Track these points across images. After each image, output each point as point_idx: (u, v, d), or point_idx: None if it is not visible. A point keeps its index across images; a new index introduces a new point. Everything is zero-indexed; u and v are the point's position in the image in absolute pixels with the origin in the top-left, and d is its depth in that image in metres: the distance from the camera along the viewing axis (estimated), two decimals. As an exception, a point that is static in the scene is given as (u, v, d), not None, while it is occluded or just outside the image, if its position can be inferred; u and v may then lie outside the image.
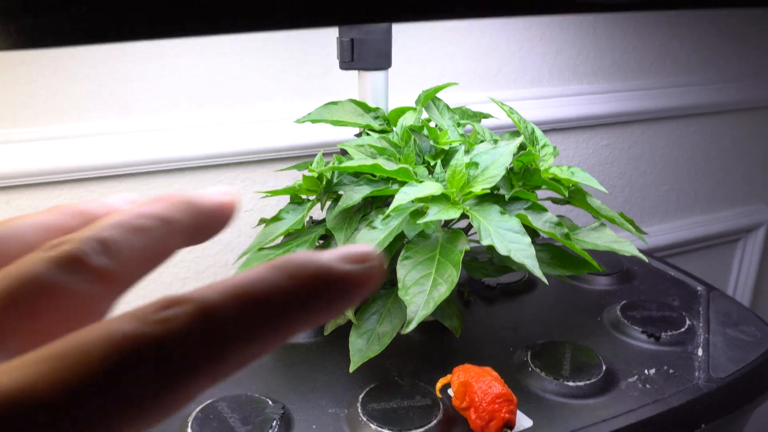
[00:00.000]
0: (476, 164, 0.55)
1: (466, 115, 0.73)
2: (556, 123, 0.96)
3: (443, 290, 0.48)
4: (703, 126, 1.11)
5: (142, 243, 0.18)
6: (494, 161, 0.54)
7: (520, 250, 0.49)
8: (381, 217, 0.54)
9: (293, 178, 0.84)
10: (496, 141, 0.58)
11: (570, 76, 0.96)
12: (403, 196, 0.52)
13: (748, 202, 1.22)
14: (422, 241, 0.53)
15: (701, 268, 1.21)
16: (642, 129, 1.05)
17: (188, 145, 0.77)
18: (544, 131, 0.96)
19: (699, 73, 1.07)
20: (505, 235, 0.51)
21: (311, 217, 0.67)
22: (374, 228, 0.53)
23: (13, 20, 0.28)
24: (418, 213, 0.55)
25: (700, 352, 0.60)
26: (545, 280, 0.48)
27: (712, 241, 1.19)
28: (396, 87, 0.86)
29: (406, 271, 0.50)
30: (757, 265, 1.24)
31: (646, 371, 0.58)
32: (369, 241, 0.52)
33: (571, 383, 0.55)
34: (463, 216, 0.56)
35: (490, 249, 0.57)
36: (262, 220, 0.68)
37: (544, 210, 0.55)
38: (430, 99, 0.68)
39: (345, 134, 0.80)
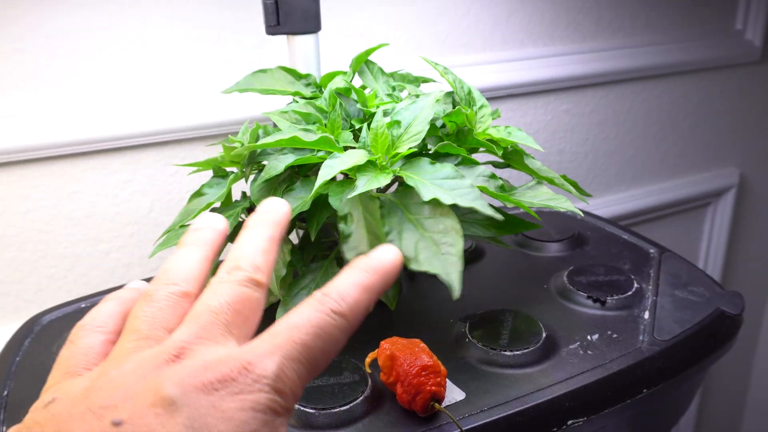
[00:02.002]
0: (398, 123, 0.52)
1: (407, 79, 0.70)
2: (513, 88, 0.93)
3: (457, 240, 0.45)
4: (668, 87, 1.08)
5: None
6: (416, 116, 0.51)
7: (465, 194, 0.46)
8: (343, 223, 0.50)
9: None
10: (417, 96, 0.54)
11: (524, 38, 0.93)
12: (328, 171, 0.48)
13: (717, 164, 1.20)
14: (382, 211, 0.50)
15: (671, 235, 1.19)
16: (604, 92, 1.02)
17: (122, 124, 0.74)
18: (500, 97, 0.93)
19: (660, 32, 1.04)
20: (443, 184, 0.47)
21: (243, 193, 0.64)
22: (349, 235, 0.50)
23: None
24: (349, 182, 0.51)
25: (646, 315, 0.58)
26: (498, 216, 0.45)
27: (682, 206, 1.16)
28: (339, 56, 0.83)
29: (400, 245, 0.47)
30: (728, 230, 1.22)
31: (588, 337, 0.55)
32: (356, 249, 0.49)
33: (508, 353, 0.52)
34: (396, 180, 0.53)
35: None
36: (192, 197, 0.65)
37: (476, 163, 0.52)
38: (362, 62, 0.65)
39: (280, 103, 0.76)
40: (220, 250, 0.34)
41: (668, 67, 1.05)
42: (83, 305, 0.63)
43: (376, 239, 0.48)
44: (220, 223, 0.34)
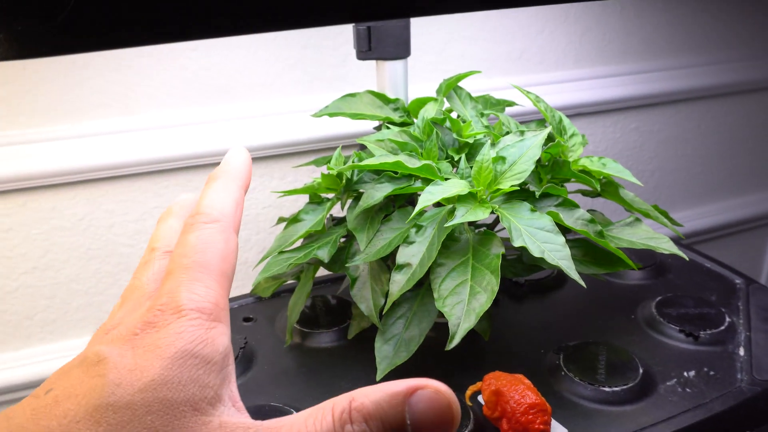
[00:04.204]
0: (503, 159, 0.52)
1: (489, 103, 0.70)
2: (583, 107, 0.92)
3: (483, 300, 0.45)
4: (737, 105, 1.07)
5: None
6: (522, 155, 0.52)
7: (555, 251, 0.46)
8: (414, 229, 0.51)
9: (311, 173, 0.82)
10: (522, 132, 0.55)
11: (597, 57, 0.92)
12: (429, 197, 0.49)
13: (783, 182, 1.18)
14: (453, 244, 0.50)
15: (736, 254, 1.17)
16: (673, 110, 1.01)
17: (205, 142, 0.75)
18: (570, 116, 0.93)
19: (732, 49, 1.03)
20: (537, 234, 0.48)
21: (331, 215, 0.65)
22: (411, 243, 0.50)
23: (2, 27, 0.26)
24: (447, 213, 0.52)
25: (741, 351, 0.57)
26: (583, 284, 0.45)
27: (747, 225, 1.15)
28: (415, 73, 0.83)
29: (440, 280, 0.48)
30: (793, 248, 1.20)
31: (685, 374, 0.55)
32: (409, 257, 0.49)
33: (606, 388, 0.52)
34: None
35: (522, 249, 0.54)
36: (281, 219, 0.66)
37: (576, 206, 0.52)
38: (451, 88, 0.65)
39: (365, 126, 0.77)
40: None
41: (739, 84, 1.03)
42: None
43: (428, 260, 0.49)
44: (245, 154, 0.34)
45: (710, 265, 0.72)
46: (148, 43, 0.25)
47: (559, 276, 0.71)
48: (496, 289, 0.46)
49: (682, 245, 0.76)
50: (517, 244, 0.47)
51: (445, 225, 0.48)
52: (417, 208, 0.48)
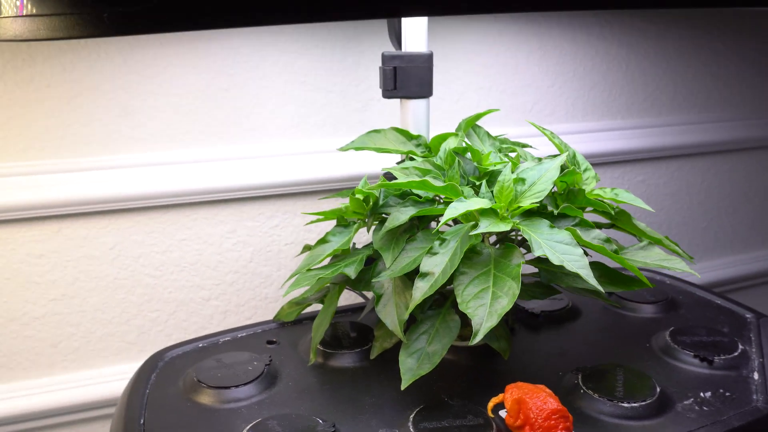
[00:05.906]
0: (523, 180, 0.55)
1: (506, 143, 0.74)
2: (591, 158, 0.96)
3: (504, 303, 0.48)
4: (740, 162, 1.11)
5: None
6: (541, 176, 0.55)
7: (573, 261, 0.49)
8: (438, 242, 0.54)
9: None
10: (539, 160, 0.58)
11: (604, 111, 0.97)
12: (454, 210, 0.52)
13: (787, 240, 1.21)
14: (475, 256, 0.53)
15: (742, 307, 1.19)
16: (678, 164, 1.05)
17: (232, 177, 0.79)
18: (580, 166, 0.97)
19: (733, 108, 1.08)
20: (556, 246, 0.50)
21: (354, 244, 0.68)
22: (435, 254, 0.53)
23: (105, 6, 0.30)
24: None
25: (756, 375, 0.59)
26: (600, 289, 0.48)
27: (752, 281, 1.17)
28: (433, 120, 0.87)
29: (463, 286, 0.50)
30: (800, 305, 1.22)
31: (701, 394, 0.56)
32: (432, 267, 0.52)
33: (625, 404, 0.54)
34: (511, 231, 0.56)
35: (540, 267, 0.57)
36: (306, 247, 0.68)
37: (592, 226, 0.55)
38: (471, 126, 0.69)
39: (387, 163, 0.81)
40: None
41: (740, 142, 1.08)
42: (201, 344, 0.66)
43: (450, 268, 0.51)
44: None
45: (720, 301, 0.74)
46: (230, 25, 0.29)
47: (574, 308, 0.73)
48: (517, 293, 0.48)
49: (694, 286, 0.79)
50: (537, 253, 0.49)
51: (470, 234, 0.51)
52: (443, 220, 0.51)
